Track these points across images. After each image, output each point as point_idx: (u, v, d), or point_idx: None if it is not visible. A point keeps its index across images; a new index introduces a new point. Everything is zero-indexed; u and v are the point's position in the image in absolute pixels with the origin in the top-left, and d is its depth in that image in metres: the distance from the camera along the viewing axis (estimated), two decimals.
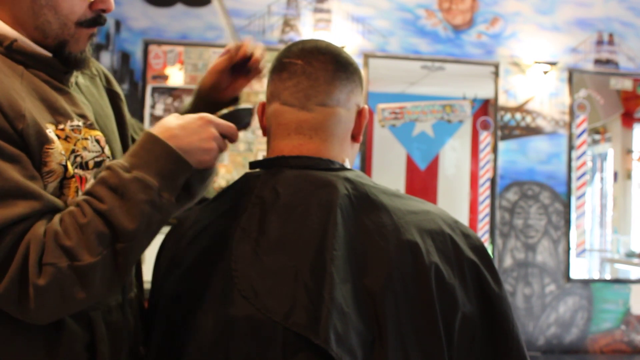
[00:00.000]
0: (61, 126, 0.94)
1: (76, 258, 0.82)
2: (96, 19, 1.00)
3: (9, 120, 0.86)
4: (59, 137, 0.93)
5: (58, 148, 0.92)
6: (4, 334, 0.89)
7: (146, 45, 4.00)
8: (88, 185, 0.95)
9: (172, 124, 0.92)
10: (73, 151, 0.95)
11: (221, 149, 0.96)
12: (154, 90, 4.01)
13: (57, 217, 0.85)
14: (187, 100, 1.32)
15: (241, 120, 1.00)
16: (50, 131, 0.92)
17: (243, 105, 1.02)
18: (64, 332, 0.93)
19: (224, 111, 1.00)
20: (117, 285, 0.88)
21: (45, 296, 0.81)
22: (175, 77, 4.05)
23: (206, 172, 0.99)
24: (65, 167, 0.93)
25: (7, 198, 0.82)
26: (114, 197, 0.85)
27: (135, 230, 0.85)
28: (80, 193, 0.96)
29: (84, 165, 0.97)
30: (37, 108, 0.92)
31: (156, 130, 0.92)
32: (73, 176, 0.94)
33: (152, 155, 0.89)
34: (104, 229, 0.83)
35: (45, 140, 0.90)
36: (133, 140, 1.24)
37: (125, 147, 1.15)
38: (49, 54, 0.98)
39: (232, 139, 0.98)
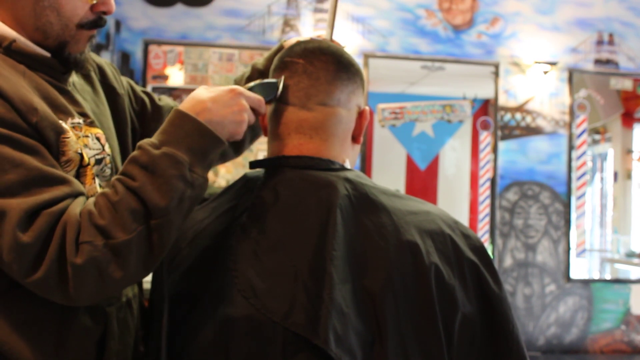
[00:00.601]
0: (62, 123, 0.94)
1: (111, 236, 0.81)
2: (97, 21, 1.00)
3: (21, 115, 0.86)
4: None
5: (73, 137, 0.93)
6: (15, 323, 0.89)
7: (146, 45, 4.00)
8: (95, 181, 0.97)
9: (203, 97, 0.91)
10: None
11: (250, 122, 0.97)
12: (154, 90, 4.01)
13: (91, 199, 0.86)
14: (242, 71, 1.33)
15: (268, 93, 1.00)
16: (63, 122, 0.93)
17: (268, 79, 1.02)
18: (75, 326, 0.93)
19: (251, 84, 1.00)
20: (153, 264, 0.87)
21: (83, 275, 0.81)
22: (175, 77, 4.05)
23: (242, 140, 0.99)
24: (82, 155, 0.94)
25: (35, 185, 0.83)
26: (144, 174, 0.85)
27: (167, 206, 0.84)
28: (96, 181, 0.97)
29: None
30: (43, 105, 0.92)
31: (186, 104, 0.91)
32: (89, 164, 0.95)
33: (181, 131, 0.88)
34: (137, 206, 0.83)
35: (60, 130, 0.91)
36: (134, 135, 1.24)
37: (123, 144, 1.15)
38: (48, 54, 0.98)
39: (260, 111, 0.99)
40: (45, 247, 0.81)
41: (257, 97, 0.97)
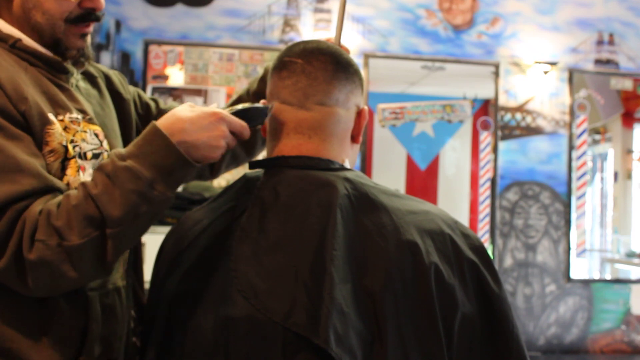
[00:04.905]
0: (60, 117, 0.98)
1: (65, 238, 0.85)
2: (85, 15, 1.02)
3: (12, 102, 0.90)
4: None
5: (59, 129, 0.96)
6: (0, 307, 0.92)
7: (146, 45, 4.00)
8: (88, 173, 1.00)
9: (182, 116, 0.91)
10: (72, 141, 0.98)
11: (229, 146, 0.95)
12: (155, 90, 4.01)
13: (57, 199, 0.89)
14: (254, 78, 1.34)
15: (254, 118, 0.98)
16: (52, 114, 0.96)
17: (258, 104, 1.01)
18: (57, 308, 0.95)
19: (239, 107, 0.98)
20: (107, 270, 0.91)
21: (36, 271, 0.85)
22: (176, 77, 4.05)
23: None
24: (66, 147, 0.97)
25: (9, 174, 0.86)
26: (105, 183, 0.87)
27: (121, 218, 0.86)
28: (81, 174, 0.99)
29: (82, 156, 1.00)
30: (38, 97, 0.96)
31: (164, 121, 0.91)
32: (74, 156, 0.98)
33: (151, 147, 0.89)
34: (93, 212, 0.86)
35: (46, 121, 0.95)
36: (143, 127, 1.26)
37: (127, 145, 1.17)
38: (50, 54, 1.02)
39: (242, 137, 0.97)
40: (7, 240, 0.85)
41: (240, 122, 0.95)
